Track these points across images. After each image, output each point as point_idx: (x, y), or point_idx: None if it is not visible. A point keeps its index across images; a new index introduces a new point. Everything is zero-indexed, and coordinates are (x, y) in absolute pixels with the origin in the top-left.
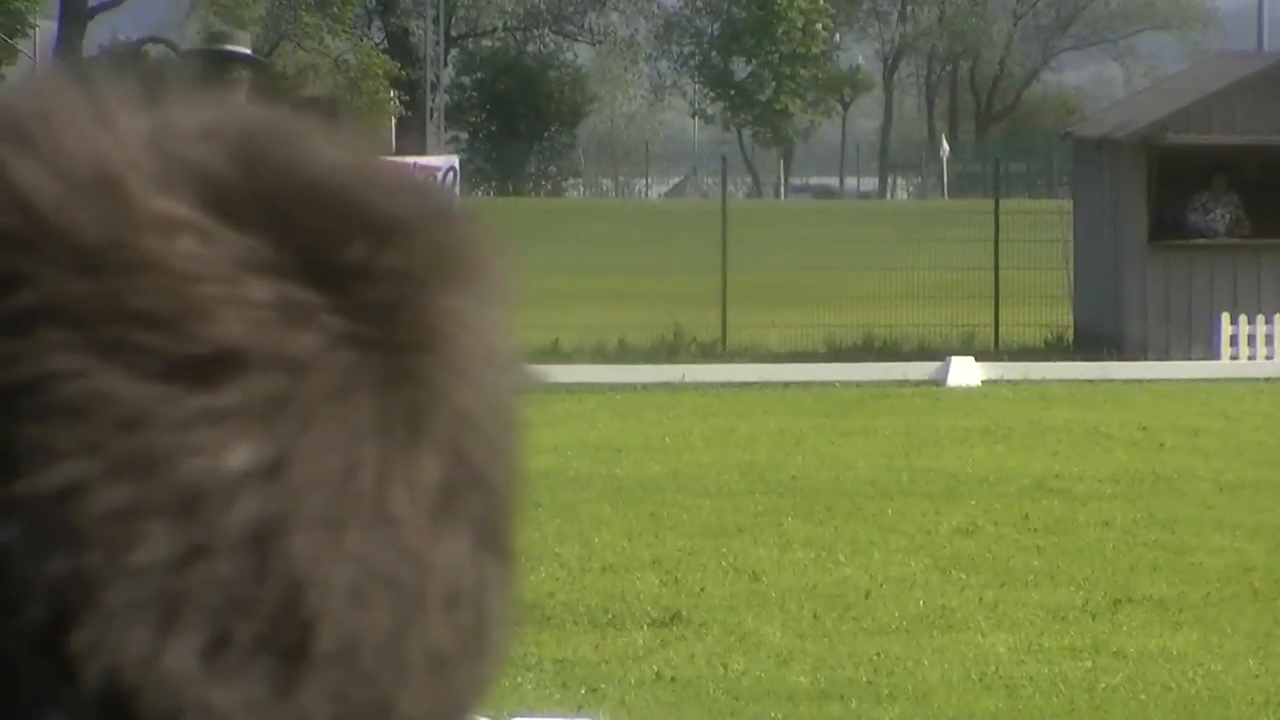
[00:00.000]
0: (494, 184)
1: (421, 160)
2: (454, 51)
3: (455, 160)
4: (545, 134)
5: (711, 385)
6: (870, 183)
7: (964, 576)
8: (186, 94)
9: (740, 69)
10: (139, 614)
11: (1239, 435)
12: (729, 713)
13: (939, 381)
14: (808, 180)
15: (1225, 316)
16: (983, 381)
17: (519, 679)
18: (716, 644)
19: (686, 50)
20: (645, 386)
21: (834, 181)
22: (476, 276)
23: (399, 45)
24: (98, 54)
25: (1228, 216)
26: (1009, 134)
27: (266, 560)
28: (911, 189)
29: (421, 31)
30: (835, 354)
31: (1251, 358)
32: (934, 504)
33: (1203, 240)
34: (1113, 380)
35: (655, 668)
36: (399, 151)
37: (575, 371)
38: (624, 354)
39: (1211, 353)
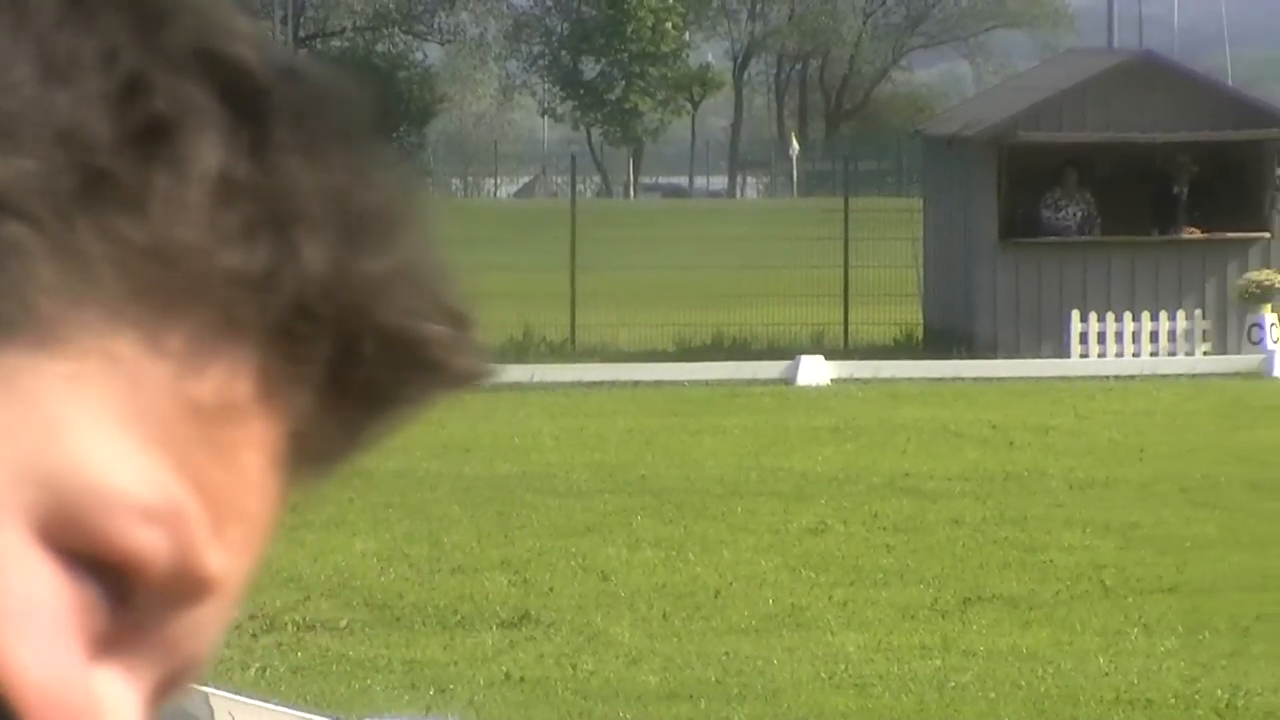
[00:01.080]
0: None
1: None
2: (303, 51)
3: None
4: (394, 134)
5: (561, 385)
6: (720, 181)
7: (814, 575)
8: None
9: (590, 68)
10: None
11: (1089, 433)
12: (578, 713)
13: (789, 380)
14: (657, 179)
15: (1075, 314)
16: (832, 380)
17: (368, 680)
18: (566, 644)
19: (536, 50)
20: (495, 386)
21: (684, 180)
22: None
23: None
24: None
25: (1079, 214)
26: (859, 132)
27: None
28: (761, 188)
29: (271, 32)
30: (685, 353)
31: (1101, 355)
32: (784, 503)
33: (1053, 238)
34: (963, 378)
35: (504, 668)
36: None
37: None
38: None
39: (1062, 350)
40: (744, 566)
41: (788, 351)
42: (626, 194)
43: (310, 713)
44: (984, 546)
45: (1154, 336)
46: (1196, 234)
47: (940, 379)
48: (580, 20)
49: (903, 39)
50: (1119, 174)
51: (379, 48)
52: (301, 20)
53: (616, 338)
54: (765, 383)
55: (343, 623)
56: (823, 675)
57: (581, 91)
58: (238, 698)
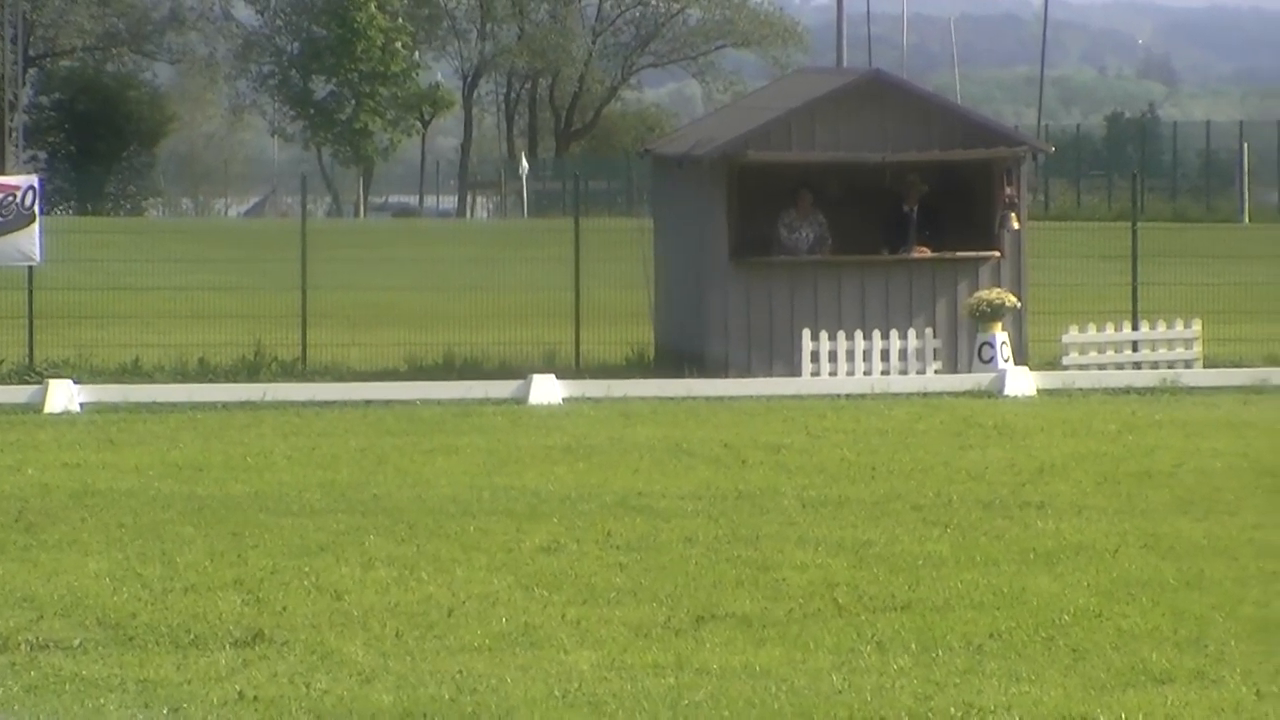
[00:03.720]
0: (74, 203)
1: (1, 180)
2: (32, 71)
3: (35, 180)
4: (125, 153)
5: (293, 404)
6: (451, 201)
7: (547, 594)
8: None
9: (320, 88)
10: None
11: (821, 451)
12: None
13: (521, 399)
14: (388, 199)
15: (806, 333)
16: (564, 399)
17: (102, 700)
18: (299, 663)
19: (266, 69)
20: (226, 406)
21: (414, 200)
22: None
23: None
24: None
25: (811, 235)
26: (589, 151)
27: None
28: (492, 207)
29: (0, 51)
30: (417, 372)
31: (833, 374)
32: (516, 522)
33: (784, 257)
34: (695, 397)
35: (238, 687)
36: None
37: (156, 390)
38: (205, 373)
39: (793, 369)
40: (477, 585)
41: (519, 371)
42: (357, 213)
43: None
44: (717, 565)
45: (885, 355)
46: (927, 253)
47: (672, 398)
48: (310, 39)
49: (632, 58)
50: (847, 194)
51: (109, 67)
52: (31, 40)
53: (348, 357)
54: (497, 402)
55: (76, 642)
56: (556, 694)
57: (312, 111)
58: None
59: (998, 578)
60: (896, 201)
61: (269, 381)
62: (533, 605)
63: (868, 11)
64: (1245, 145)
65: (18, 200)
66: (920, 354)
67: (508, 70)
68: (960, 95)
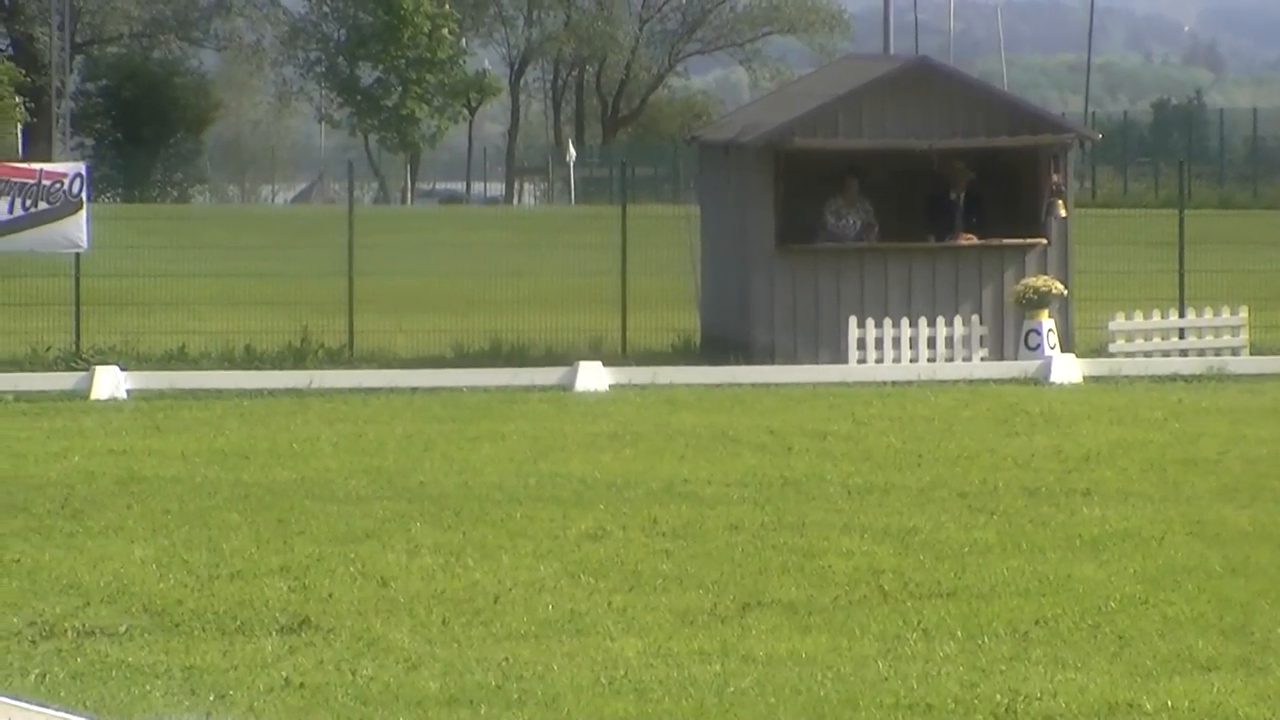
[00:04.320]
0: (121, 190)
1: (48, 167)
2: (79, 58)
3: (83, 167)
4: (171, 140)
5: (339, 391)
6: (497, 188)
7: (593, 581)
8: None
9: (367, 74)
10: None
11: (867, 439)
12: (358, 718)
13: (566, 386)
14: (435, 185)
15: (852, 320)
16: (610, 386)
17: (147, 686)
18: (345, 650)
19: (313, 56)
20: (272, 392)
21: (461, 187)
22: None
23: (24, 52)
24: None
25: (859, 222)
26: (636, 139)
27: None
28: (539, 194)
29: (47, 38)
30: (462, 359)
31: (879, 361)
32: (562, 509)
33: (830, 244)
34: (740, 384)
35: (284, 674)
36: (27, 158)
37: (202, 377)
38: (251, 359)
39: (839, 356)
40: (523, 572)
41: (565, 358)
42: (404, 200)
43: (90, 718)
44: (762, 552)
45: (931, 342)
46: (973, 240)
47: (718, 385)
48: (356, 26)
49: (679, 45)
50: (893, 180)
51: (155, 54)
52: (77, 27)
53: (394, 344)
54: (543, 389)
55: (122, 629)
56: (602, 680)
57: (358, 97)
58: (17, 703)
59: (1043, 565)
60: (943, 188)
61: (315, 368)
62: (578, 592)
63: None
64: None
65: (65, 187)
66: (966, 341)
67: (554, 57)
68: (1006, 82)
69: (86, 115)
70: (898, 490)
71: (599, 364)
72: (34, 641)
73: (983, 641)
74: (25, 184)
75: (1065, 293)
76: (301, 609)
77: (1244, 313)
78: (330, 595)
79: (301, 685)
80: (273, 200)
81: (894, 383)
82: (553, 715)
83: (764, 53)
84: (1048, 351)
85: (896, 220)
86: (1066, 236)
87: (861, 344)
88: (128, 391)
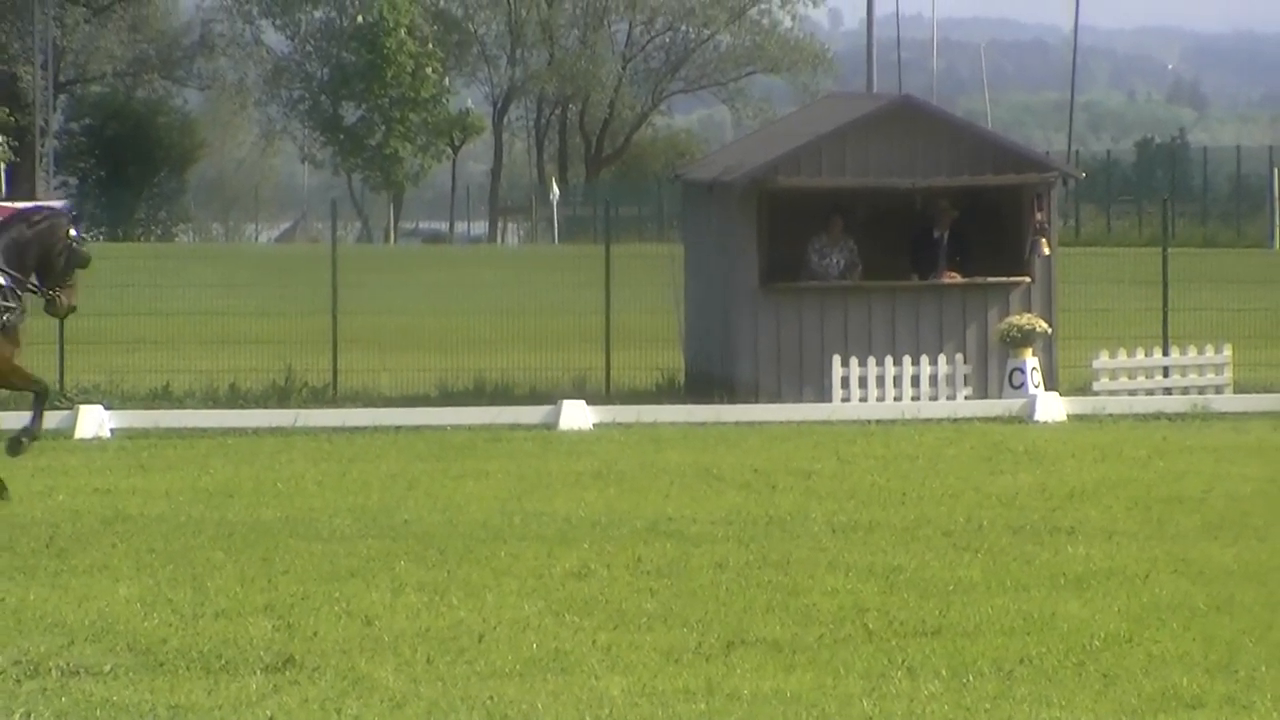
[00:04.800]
0: (104, 229)
1: (32, 205)
2: (63, 97)
3: (66, 205)
4: (155, 179)
5: (323, 429)
6: (481, 227)
7: (578, 619)
8: None
9: (350, 113)
10: None
11: (851, 476)
12: None
13: (551, 425)
14: (418, 225)
15: (836, 359)
16: (595, 424)
17: None
18: (330, 688)
19: (296, 94)
20: (257, 431)
21: (444, 226)
22: None
23: (7, 91)
24: None
25: (842, 261)
26: (619, 177)
27: None
28: (522, 233)
29: (30, 77)
30: (447, 398)
31: (863, 399)
32: (547, 547)
33: (814, 283)
34: (724, 423)
35: (269, 713)
36: (11, 197)
37: (187, 416)
38: (235, 398)
39: (823, 395)
40: (507, 610)
41: (550, 396)
42: (387, 239)
43: None
44: (747, 590)
45: (915, 381)
46: (957, 279)
47: (702, 423)
48: (340, 65)
49: (662, 83)
50: (877, 218)
51: (139, 93)
52: (61, 66)
53: (378, 382)
54: (527, 427)
55: (107, 668)
56: (587, 719)
57: (342, 136)
58: None
59: (1028, 603)
60: (927, 226)
61: (299, 407)
62: (563, 630)
63: (898, 37)
64: (1276, 170)
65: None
66: (950, 379)
67: (538, 96)
68: (990, 120)
69: (70, 154)
70: (882, 528)
71: (583, 402)
72: (19, 680)
73: (968, 680)
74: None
75: (1049, 331)
76: (286, 647)
77: (1228, 351)
78: (315, 634)
79: None
80: (256, 239)
81: (878, 421)
82: None
83: (747, 91)
84: (1032, 390)
85: (880, 258)
86: (1050, 275)
87: (846, 382)
88: (112, 430)
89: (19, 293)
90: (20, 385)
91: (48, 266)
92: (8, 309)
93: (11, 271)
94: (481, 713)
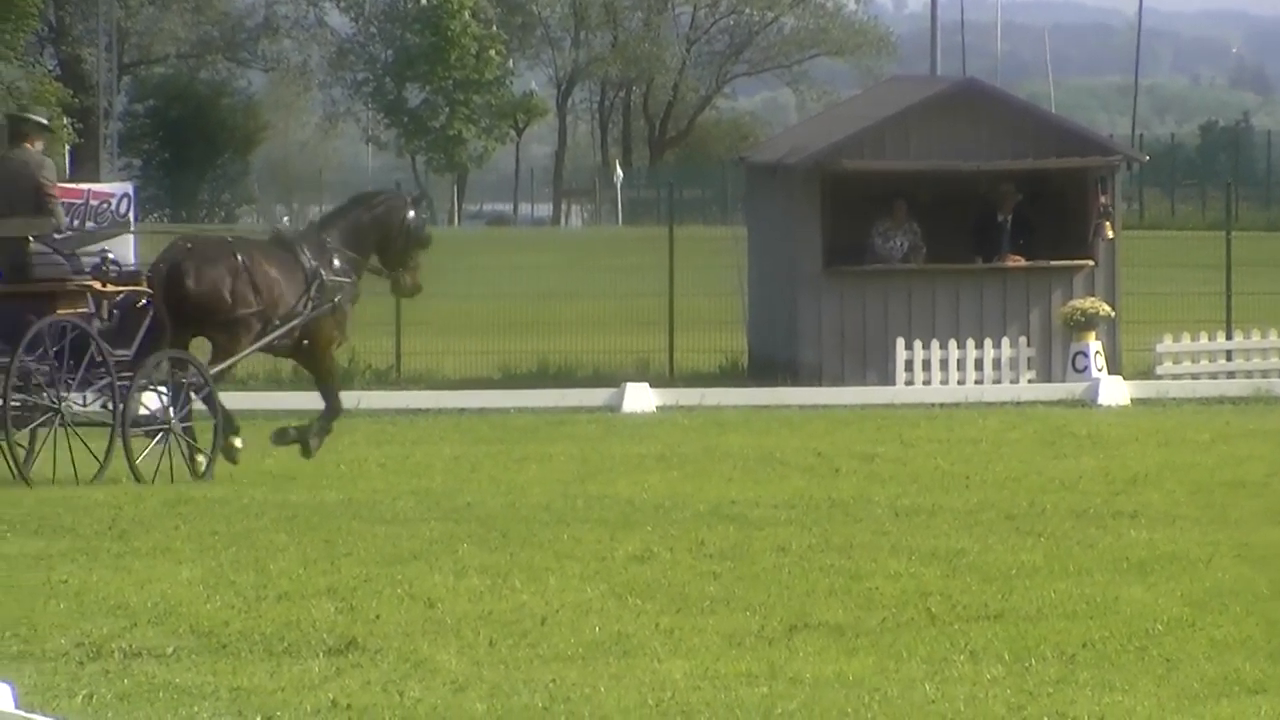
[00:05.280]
0: (168, 211)
1: (96, 187)
2: (126, 79)
3: (130, 187)
4: (218, 161)
5: (386, 412)
6: (545, 209)
7: (640, 603)
8: None
9: (414, 95)
10: None
11: (914, 460)
12: None
13: (614, 408)
14: (482, 207)
15: (900, 342)
16: (658, 408)
17: (194, 708)
18: (392, 671)
19: (360, 76)
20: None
21: (508, 208)
22: None
23: (71, 72)
24: None
25: (906, 244)
26: (683, 160)
27: None
28: (586, 215)
29: (94, 59)
30: (510, 381)
31: (926, 383)
32: (609, 530)
33: (878, 266)
34: (787, 406)
35: (331, 695)
36: (75, 179)
37: (249, 399)
38: (298, 380)
39: (886, 378)
40: (569, 594)
41: (613, 379)
42: (450, 221)
43: None
44: (809, 574)
45: (979, 364)
46: (1020, 262)
47: (765, 406)
48: (404, 47)
49: (726, 66)
50: (941, 202)
51: (202, 75)
52: (124, 48)
53: (442, 365)
54: (590, 410)
55: (169, 650)
56: (649, 703)
57: (405, 119)
58: None
59: (1090, 587)
60: (990, 210)
61: (362, 389)
62: (625, 614)
63: (961, 20)
64: None
65: (112, 208)
66: (1014, 363)
67: (601, 78)
68: (1054, 104)
69: (133, 136)
70: (945, 512)
71: (646, 385)
72: (81, 663)
73: (1030, 664)
74: (73, 204)
75: (1112, 315)
76: (348, 630)
77: None
78: (377, 616)
79: (348, 707)
80: None
81: (941, 405)
82: None
83: (811, 74)
84: (1095, 373)
85: (944, 242)
86: (1114, 258)
87: (909, 366)
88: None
89: (355, 276)
90: (322, 375)
91: (388, 248)
92: (340, 288)
93: (350, 253)
94: (543, 696)
